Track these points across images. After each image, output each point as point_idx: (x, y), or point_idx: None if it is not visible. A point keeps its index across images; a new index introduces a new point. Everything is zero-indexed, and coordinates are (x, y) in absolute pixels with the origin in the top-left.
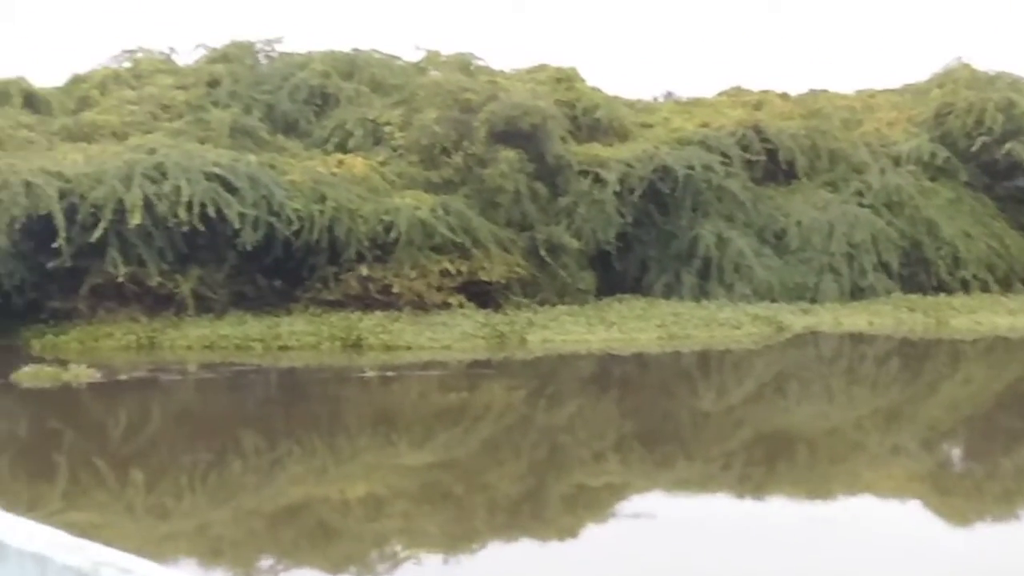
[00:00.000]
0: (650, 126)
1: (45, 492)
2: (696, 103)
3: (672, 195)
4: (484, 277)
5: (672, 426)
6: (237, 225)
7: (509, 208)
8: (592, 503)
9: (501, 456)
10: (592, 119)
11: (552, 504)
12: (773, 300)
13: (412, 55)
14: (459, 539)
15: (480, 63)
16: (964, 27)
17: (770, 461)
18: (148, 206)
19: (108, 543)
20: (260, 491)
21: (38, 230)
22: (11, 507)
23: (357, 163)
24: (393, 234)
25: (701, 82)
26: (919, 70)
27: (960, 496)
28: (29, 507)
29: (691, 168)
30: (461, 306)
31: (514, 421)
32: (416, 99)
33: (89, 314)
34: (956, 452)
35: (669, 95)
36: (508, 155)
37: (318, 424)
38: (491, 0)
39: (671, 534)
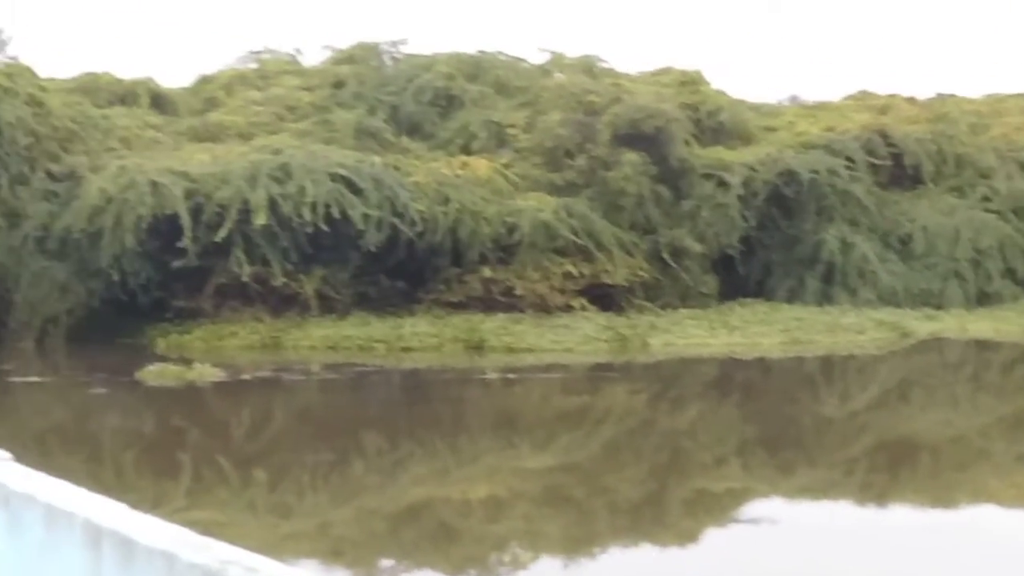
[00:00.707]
0: (774, 130)
1: (170, 490)
2: (821, 107)
3: (796, 199)
4: (607, 280)
5: (794, 431)
6: (361, 226)
7: (632, 211)
8: (713, 508)
9: (622, 459)
10: (716, 122)
11: (673, 508)
12: (897, 306)
13: (536, 57)
14: (580, 542)
15: (604, 65)
16: None
17: (893, 468)
18: (273, 206)
19: (231, 542)
20: (382, 491)
21: (164, 230)
22: (137, 504)
23: (481, 165)
24: (516, 236)
25: (827, 86)
26: None
27: None
28: (154, 504)
29: (815, 172)
30: (583, 309)
31: (636, 424)
32: (540, 101)
33: (213, 313)
34: None
35: (794, 99)
36: (631, 158)
37: (440, 425)
38: (616, 2)
39: (792, 540)
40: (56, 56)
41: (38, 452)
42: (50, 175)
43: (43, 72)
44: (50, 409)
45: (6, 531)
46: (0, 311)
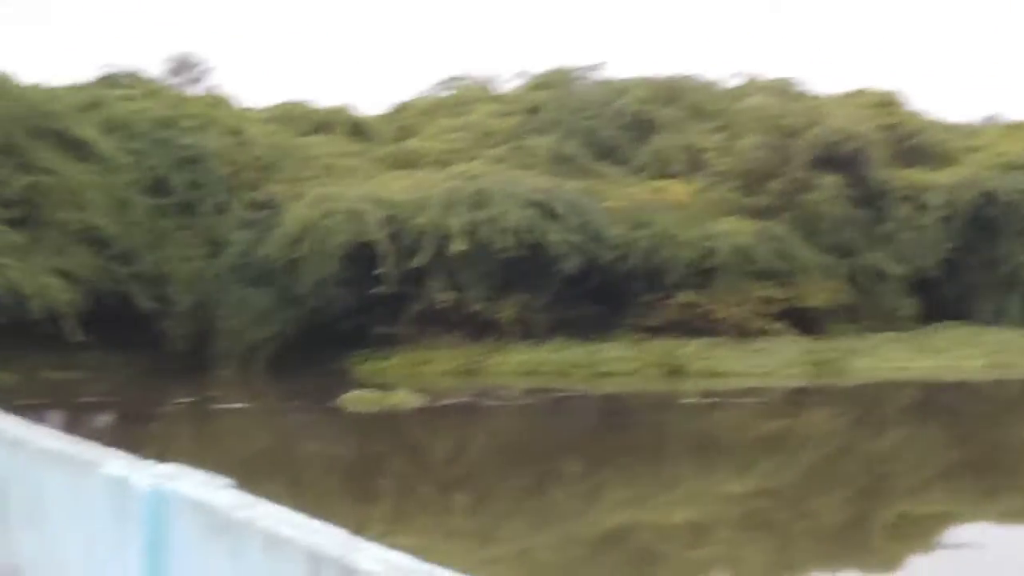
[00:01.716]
0: (975, 150)
1: (371, 514)
2: (1022, 126)
3: (997, 220)
4: (805, 303)
5: (999, 455)
6: (558, 251)
7: (830, 234)
8: (917, 532)
9: (824, 484)
10: (913, 143)
11: (876, 533)
12: None
13: (731, 80)
14: (782, 568)
15: (800, 88)
16: None
17: None
18: (470, 233)
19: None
20: (581, 517)
21: (362, 256)
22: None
23: (677, 189)
24: (713, 260)
25: None
26: None
27: None
28: (356, 529)
29: (1017, 193)
30: (782, 333)
31: (837, 448)
32: (736, 124)
33: (412, 339)
34: None
35: (993, 118)
36: (829, 180)
37: (639, 450)
38: (811, 24)
39: (999, 566)
40: (256, 85)
41: (242, 477)
42: (250, 204)
43: (243, 101)
44: (253, 435)
45: (226, 559)
46: (204, 338)
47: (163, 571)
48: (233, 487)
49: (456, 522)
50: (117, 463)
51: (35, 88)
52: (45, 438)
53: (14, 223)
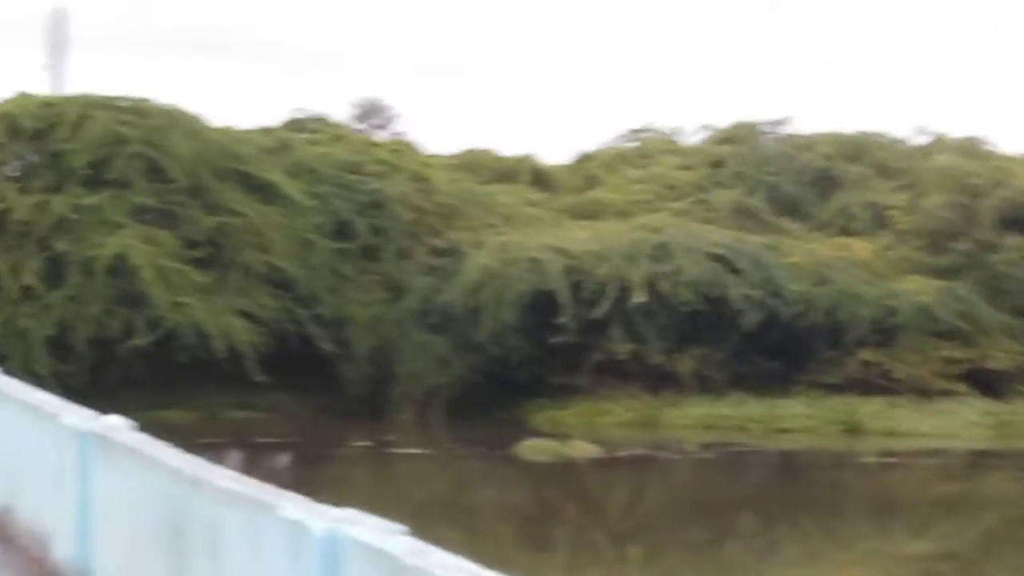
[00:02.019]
0: None
1: (545, 564)
2: None
3: None
4: (989, 365)
5: None
6: (739, 306)
7: (1014, 295)
8: None
9: (1003, 549)
10: None
11: None
12: None
13: (917, 138)
14: None
15: (986, 147)
16: None
17: None
18: (651, 285)
19: None
20: (755, 573)
21: (542, 306)
22: None
23: (860, 247)
24: (895, 319)
25: None
26: None
27: None
28: None
29: None
30: (963, 394)
31: (1017, 513)
32: (921, 183)
33: (590, 390)
34: None
35: None
36: (1016, 242)
37: (815, 508)
38: (997, 81)
39: None
40: (440, 133)
41: (417, 524)
42: (433, 250)
43: (428, 148)
44: (429, 480)
45: None
46: (382, 382)
47: None
48: (408, 534)
49: (630, 574)
50: (294, 506)
51: (224, 130)
52: (223, 478)
53: (199, 263)
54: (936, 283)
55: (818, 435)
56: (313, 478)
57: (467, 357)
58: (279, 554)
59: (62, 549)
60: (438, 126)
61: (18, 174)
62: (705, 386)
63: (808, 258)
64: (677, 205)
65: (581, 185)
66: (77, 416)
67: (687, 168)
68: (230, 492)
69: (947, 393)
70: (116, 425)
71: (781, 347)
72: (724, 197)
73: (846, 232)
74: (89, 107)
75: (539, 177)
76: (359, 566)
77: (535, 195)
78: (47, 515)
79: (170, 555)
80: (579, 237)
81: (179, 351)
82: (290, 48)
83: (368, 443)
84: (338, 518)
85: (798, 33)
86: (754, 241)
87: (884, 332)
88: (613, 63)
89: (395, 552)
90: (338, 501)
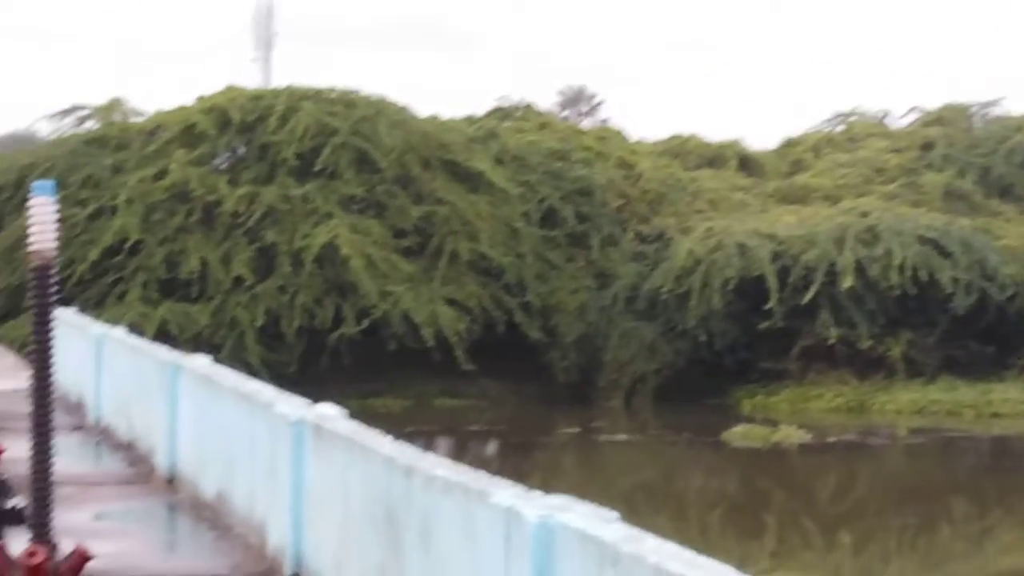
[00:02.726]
0: None
1: (754, 550)
2: None
3: None
4: None
5: None
6: (949, 289)
7: None
8: None
9: None
10: None
11: None
12: None
13: None
14: None
15: None
16: None
17: None
18: (860, 269)
19: None
20: (970, 559)
21: (750, 291)
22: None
23: None
24: None
25: None
26: None
27: None
28: (740, 564)
29: None
30: None
31: None
32: None
33: (799, 375)
34: None
35: None
36: None
37: None
38: None
39: None
40: (645, 119)
41: (626, 510)
42: (639, 236)
43: (633, 135)
44: (637, 467)
45: None
46: (589, 369)
47: None
48: (619, 520)
49: (840, 560)
50: (506, 493)
51: (430, 120)
52: (436, 466)
53: (407, 252)
54: None
55: None
56: (521, 466)
57: (674, 343)
58: (492, 541)
59: (276, 536)
60: (643, 112)
61: (228, 166)
62: (915, 371)
63: (1021, 241)
64: (886, 189)
65: (788, 170)
66: (290, 405)
67: (895, 151)
68: (443, 480)
69: None
70: (329, 414)
71: (993, 331)
72: (934, 180)
73: None
74: (297, 99)
75: (745, 162)
76: (572, 553)
77: (742, 180)
78: (261, 503)
79: (383, 542)
80: (786, 222)
81: (387, 340)
82: (494, 36)
83: (576, 430)
84: (550, 505)
85: (1008, 10)
86: (965, 224)
87: None
88: (818, 46)
89: (608, 539)
90: (547, 488)
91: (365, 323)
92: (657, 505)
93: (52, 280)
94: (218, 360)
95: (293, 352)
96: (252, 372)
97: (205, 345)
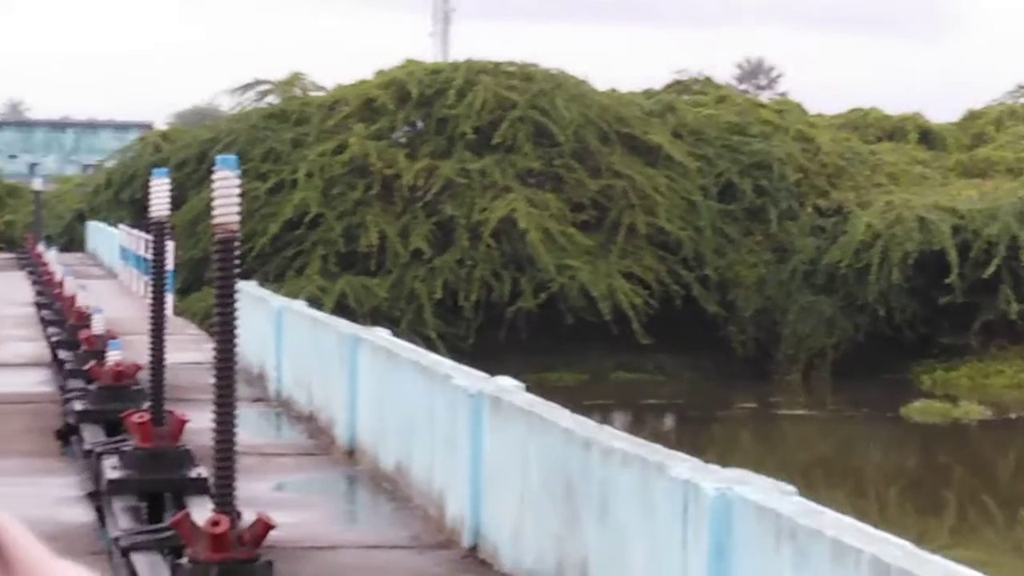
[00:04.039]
0: None
1: (933, 526)
2: None
3: None
4: None
5: None
6: None
7: None
8: None
9: None
10: None
11: None
12: None
13: None
14: None
15: None
16: None
17: None
18: None
19: None
20: None
21: (930, 266)
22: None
23: None
24: None
25: None
26: None
27: None
28: (918, 540)
29: None
30: None
31: None
32: None
33: (979, 351)
34: None
35: None
36: None
37: None
38: None
39: None
40: (824, 92)
41: (802, 485)
42: (818, 210)
43: (812, 109)
44: (814, 442)
45: (789, 566)
46: (767, 344)
47: (726, 574)
48: (797, 494)
49: (1022, 537)
50: (684, 466)
51: (608, 93)
52: (614, 439)
53: (585, 226)
54: None
55: None
56: (698, 440)
57: (853, 318)
58: (670, 514)
59: (455, 508)
60: (821, 85)
61: (406, 140)
62: None
63: None
64: None
65: (969, 143)
66: (469, 378)
67: None
68: (621, 452)
69: None
70: (507, 386)
71: None
72: None
73: None
74: (475, 73)
75: (926, 136)
76: (749, 525)
77: (922, 154)
78: (439, 475)
79: (560, 514)
80: (967, 196)
81: (564, 313)
82: (671, 9)
83: (752, 404)
84: (728, 478)
85: None
86: None
87: None
88: (997, 17)
89: (786, 512)
90: (724, 463)
91: (542, 297)
92: (835, 480)
93: (235, 253)
94: (396, 333)
95: (470, 325)
96: (430, 345)
97: (383, 318)
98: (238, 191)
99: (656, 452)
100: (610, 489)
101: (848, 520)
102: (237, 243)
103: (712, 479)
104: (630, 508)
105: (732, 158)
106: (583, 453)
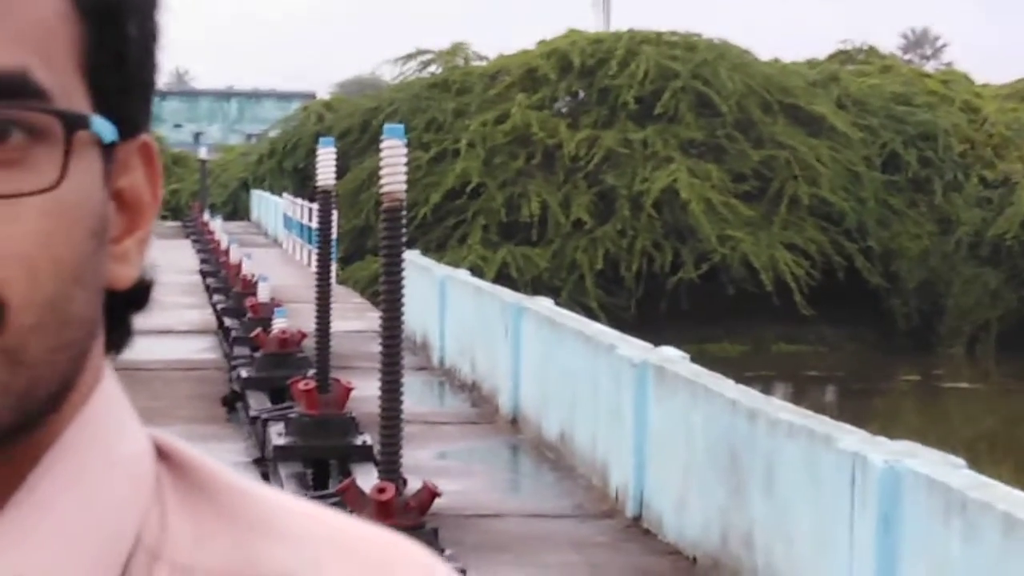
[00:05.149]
0: None
1: None
2: None
3: None
4: None
5: None
6: None
7: None
8: None
9: None
10: None
11: None
12: None
13: None
14: None
15: None
16: None
17: None
18: None
19: None
20: None
21: None
22: None
23: None
24: None
25: None
26: None
27: None
28: None
29: None
30: None
31: None
32: None
33: None
34: None
35: None
36: None
37: None
38: None
39: None
40: (993, 62)
41: (967, 458)
42: (983, 181)
43: (978, 78)
44: (979, 415)
45: (959, 539)
46: (930, 316)
47: (894, 546)
48: (967, 467)
49: None
50: (852, 438)
51: (771, 63)
52: (780, 410)
53: (747, 197)
54: None
55: None
56: (861, 412)
57: (1019, 290)
58: (837, 486)
59: (618, 478)
60: (988, 55)
61: (568, 110)
62: None
63: None
64: None
65: None
66: (632, 348)
67: None
68: (787, 424)
69: None
70: (672, 357)
71: None
72: None
73: None
74: (637, 42)
75: None
76: (919, 498)
77: None
78: (603, 444)
79: (725, 485)
80: None
81: (726, 284)
82: None
83: (916, 377)
84: (896, 451)
85: None
86: None
87: None
88: None
89: (956, 485)
90: (886, 435)
91: (704, 267)
92: (999, 455)
93: (402, 222)
94: (557, 303)
95: (631, 296)
96: (590, 315)
97: (544, 288)
98: (405, 160)
99: (823, 423)
100: (776, 460)
101: (1020, 494)
102: (403, 212)
103: (880, 451)
104: (796, 480)
105: (896, 128)
106: (748, 424)
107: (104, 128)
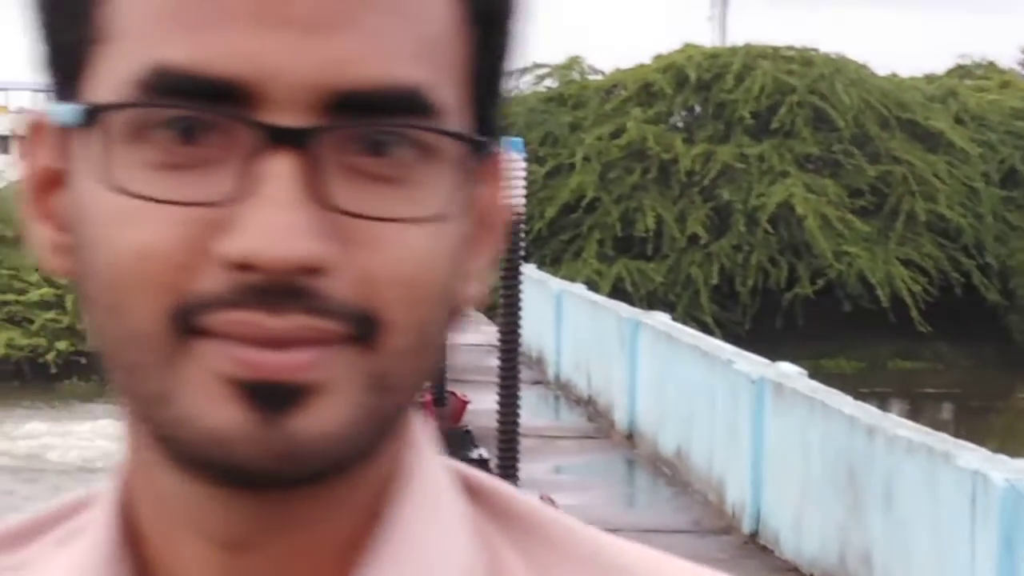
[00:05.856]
0: None
1: None
2: None
3: None
4: None
5: None
6: None
7: None
8: None
9: None
10: None
11: None
12: None
13: None
14: None
15: None
16: None
17: None
18: None
19: None
20: None
21: None
22: None
23: None
24: None
25: None
26: None
27: None
28: None
29: None
30: None
31: None
32: None
33: None
34: None
35: None
36: None
37: None
38: None
39: None
40: None
41: None
42: None
43: None
44: None
45: None
46: None
47: (1016, 567)
48: None
49: None
50: (972, 456)
51: (888, 78)
52: (898, 426)
53: (863, 212)
54: None
55: None
56: (978, 430)
57: None
58: (957, 504)
59: (735, 494)
60: None
61: (683, 124)
62: None
63: None
64: None
65: None
66: (750, 363)
67: None
68: (906, 440)
69: None
70: (789, 372)
71: None
72: None
73: None
74: (754, 57)
75: None
76: None
77: None
78: (719, 460)
79: (843, 503)
80: None
81: (841, 300)
82: None
83: None
84: (1018, 469)
85: None
86: None
87: None
88: None
89: None
90: (1005, 453)
91: (819, 283)
92: None
93: (519, 236)
94: (673, 318)
95: (746, 311)
96: (705, 330)
97: (659, 303)
98: (523, 174)
99: (943, 441)
100: (895, 478)
101: None
102: (521, 226)
103: (1001, 469)
104: (915, 498)
105: (1015, 144)
106: (867, 440)
107: (485, 147)
